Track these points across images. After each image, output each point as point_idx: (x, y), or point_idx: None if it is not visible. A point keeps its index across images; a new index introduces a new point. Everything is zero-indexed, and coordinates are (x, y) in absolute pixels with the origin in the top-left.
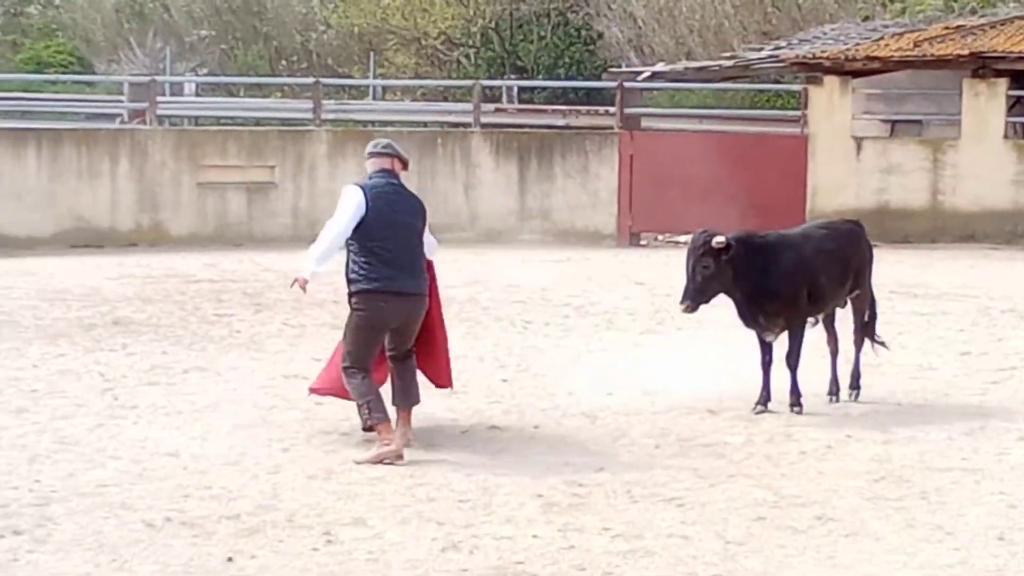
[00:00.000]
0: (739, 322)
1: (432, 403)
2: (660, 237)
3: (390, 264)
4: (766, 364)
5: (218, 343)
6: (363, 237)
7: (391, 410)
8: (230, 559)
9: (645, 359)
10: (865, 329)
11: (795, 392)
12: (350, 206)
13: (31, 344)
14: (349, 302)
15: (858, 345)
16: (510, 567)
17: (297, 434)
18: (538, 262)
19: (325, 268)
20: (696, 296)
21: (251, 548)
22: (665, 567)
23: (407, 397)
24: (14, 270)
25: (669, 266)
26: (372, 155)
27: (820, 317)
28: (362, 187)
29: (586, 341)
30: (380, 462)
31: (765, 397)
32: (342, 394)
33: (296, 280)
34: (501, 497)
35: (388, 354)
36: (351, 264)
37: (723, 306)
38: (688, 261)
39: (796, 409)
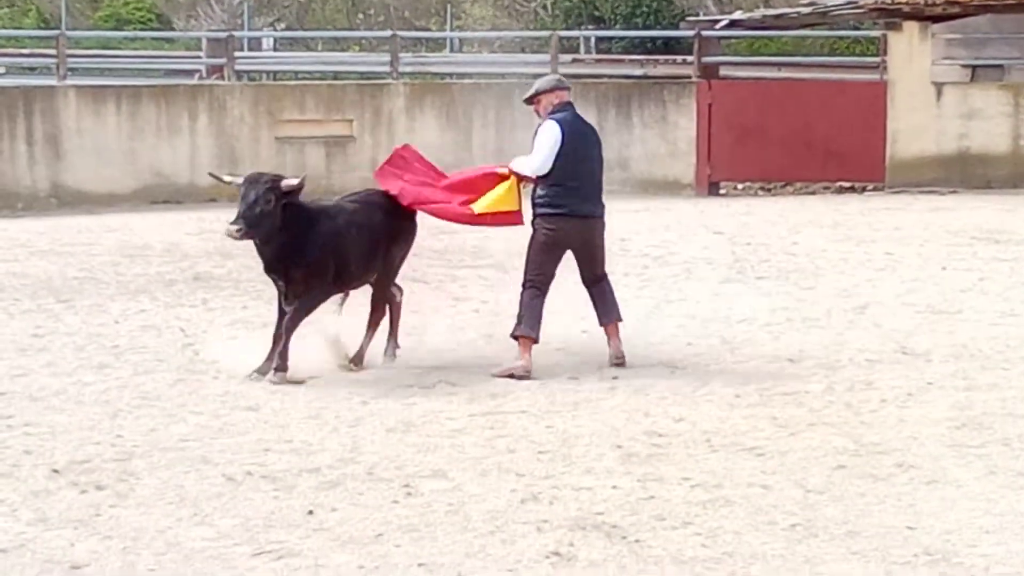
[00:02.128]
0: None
1: (511, 354)
2: (739, 186)
3: (573, 193)
4: (281, 331)
5: None
6: (555, 169)
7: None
8: (310, 512)
9: (725, 309)
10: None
11: (275, 358)
12: (551, 142)
13: (112, 300)
14: (533, 224)
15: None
16: (590, 518)
17: (376, 387)
18: (616, 212)
19: None
20: (251, 223)
21: (331, 501)
22: (745, 516)
23: (609, 314)
24: (95, 227)
25: (749, 215)
26: (555, 90)
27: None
28: (559, 123)
29: (665, 291)
30: (510, 375)
31: (279, 364)
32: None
33: (521, 176)
34: (580, 448)
35: (584, 282)
36: (539, 191)
37: (808, 256)
38: (252, 189)
39: (267, 377)
